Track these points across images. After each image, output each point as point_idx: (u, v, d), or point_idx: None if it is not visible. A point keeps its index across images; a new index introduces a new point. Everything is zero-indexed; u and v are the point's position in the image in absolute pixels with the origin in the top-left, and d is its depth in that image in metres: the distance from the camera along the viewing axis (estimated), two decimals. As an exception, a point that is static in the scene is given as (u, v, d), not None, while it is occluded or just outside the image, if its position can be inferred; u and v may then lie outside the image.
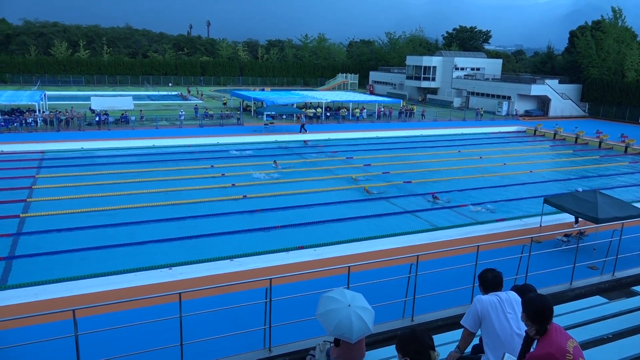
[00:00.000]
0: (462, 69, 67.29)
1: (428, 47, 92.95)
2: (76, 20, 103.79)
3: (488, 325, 5.13)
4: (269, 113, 42.20)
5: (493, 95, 58.98)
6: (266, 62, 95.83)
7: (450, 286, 9.97)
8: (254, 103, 48.64)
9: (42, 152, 28.94)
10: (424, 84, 68.64)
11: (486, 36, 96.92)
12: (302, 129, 37.52)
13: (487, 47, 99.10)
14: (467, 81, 64.39)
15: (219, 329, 9.50)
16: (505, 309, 5.15)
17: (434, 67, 67.81)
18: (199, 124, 41.15)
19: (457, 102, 63.27)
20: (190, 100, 61.22)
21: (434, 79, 68.28)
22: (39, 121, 37.44)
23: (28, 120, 37.02)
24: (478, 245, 9.47)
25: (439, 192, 22.48)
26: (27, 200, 19.72)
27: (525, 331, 4.56)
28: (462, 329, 5.52)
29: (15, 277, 12.96)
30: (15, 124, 36.26)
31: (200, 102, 57.83)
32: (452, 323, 8.66)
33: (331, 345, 6.91)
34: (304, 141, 35.31)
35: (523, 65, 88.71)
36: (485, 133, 43.04)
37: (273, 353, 7.81)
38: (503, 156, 32.70)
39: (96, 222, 17.23)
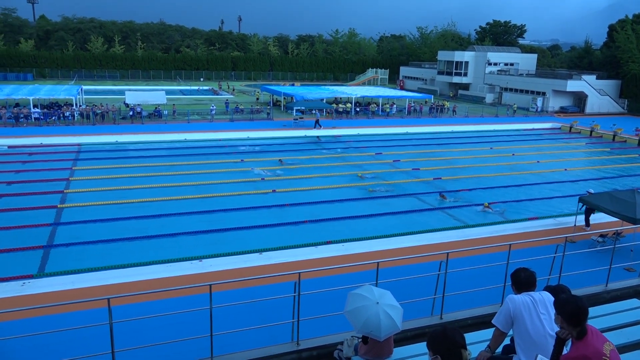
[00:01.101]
0: (495, 64, 65.94)
1: (460, 42, 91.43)
2: (112, 16, 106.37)
3: (520, 326, 5.03)
4: (299, 108, 42.28)
5: (527, 91, 57.64)
6: (296, 57, 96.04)
7: (481, 285, 9.82)
8: (284, 98, 48.84)
9: (79, 144, 29.75)
10: (456, 80, 67.60)
11: (521, 30, 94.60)
12: (317, 125, 37.24)
13: (521, 41, 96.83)
14: (500, 77, 63.10)
15: (248, 321, 9.62)
16: (539, 310, 5.04)
17: (466, 62, 66.69)
18: (229, 118, 41.60)
19: (489, 98, 62.10)
20: (221, 95, 61.92)
21: (465, 75, 67.16)
22: (76, 115, 38.51)
23: (66, 114, 38.12)
24: (510, 244, 9.31)
25: (468, 190, 22.17)
26: (65, 191, 20.32)
27: (557, 333, 4.46)
28: (492, 329, 5.43)
29: (53, 266, 13.39)
30: (53, 118, 37.39)
31: (231, 96, 58.41)
32: (482, 322, 8.54)
33: (359, 340, 6.92)
34: (317, 137, 34.92)
35: (559, 60, 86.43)
36: (518, 130, 42.13)
37: (301, 347, 7.86)
38: (536, 153, 31.97)
39: (129, 214, 17.64)
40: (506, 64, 66.54)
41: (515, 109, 50.98)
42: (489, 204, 19.58)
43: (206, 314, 7.38)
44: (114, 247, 14.85)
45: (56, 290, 11.52)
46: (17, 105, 40.23)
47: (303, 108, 42.69)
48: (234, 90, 67.61)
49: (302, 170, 25.07)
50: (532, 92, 56.66)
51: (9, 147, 28.46)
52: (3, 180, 21.68)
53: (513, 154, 31.16)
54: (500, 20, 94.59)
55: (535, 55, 71.89)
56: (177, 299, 10.48)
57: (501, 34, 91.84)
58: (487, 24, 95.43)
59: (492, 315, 5.53)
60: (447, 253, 8.74)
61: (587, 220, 16.66)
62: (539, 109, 53.54)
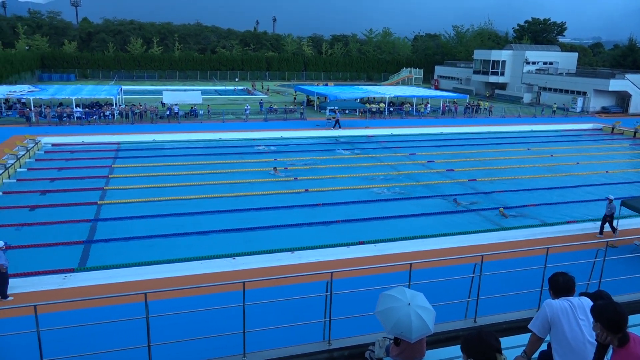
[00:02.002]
0: (534, 63, 64.33)
1: (497, 41, 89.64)
2: (151, 18, 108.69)
3: (558, 331, 4.90)
4: (332, 108, 42.30)
5: (567, 91, 55.99)
6: (330, 57, 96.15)
7: (516, 288, 9.60)
8: (317, 98, 48.96)
9: (118, 143, 30.61)
10: (492, 79, 66.28)
11: (561, 28, 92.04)
12: (337, 125, 36.97)
13: (561, 40, 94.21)
14: (539, 76, 61.50)
15: (279, 319, 9.70)
16: (578, 315, 4.89)
17: (503, 62, 65.29)
18: (263, 118, 42.00)
19: (527, 97, 60.63)
20: (255, 94, 62.57)
21: (502, 74, 65.77)
22: (115, 114, 39.63)
23: (106, 113, 39.28)
24: (547, 248, 9.07)
25: (503, 192, 21.71)
26: (104, 188, 20.95)
27: (596, 338, 4.32)
28: (528, 334, 5.30)
29: (93, 260, 13.83)
30: (94, 117, 38.59)
31: (265, 96, 58.95)
32: (517, 327, 8.35)
33: (391, 342, 6.87)
34: (336, 138, 34.50)
35: (601, 59, 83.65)
36: (557, 130, 40.98)
37: (332, 346, 7.86)
38: (576, 155, 31.02)
39: (164, 211, 18.05)
40: (545, 63, 64.82)
41: (555, 109, 49.61)
42: (504, 209, 19.00)
43: (239, 311, 7.47)
44: (150, 243, 15.21)
45: (95, 284, 11.90)
46: (60, 104, 41.68)
47: (336, 108, 42.69)
48: (268, 90, 68.20)
49: (335, 170, 25.07)
50: (572, 92, 55.02)
51: (53, 145, 29.52)
52: (47, 177, 22.51)
53: (551, 155, 30.34)
54: (540, 18, 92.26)
55: (575, 54, 69.79)
56: (210, 295, 10.65)
57: (540, 32, 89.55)
58: (526, 22, 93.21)
59: (528, 320, 5.40)
60: (482, 255, 8.59)
61: (602, 228, 16.13)
62: (579, 109, 51.93)
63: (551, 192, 22.15)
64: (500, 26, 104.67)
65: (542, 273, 8.84)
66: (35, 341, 6.54)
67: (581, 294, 5.54)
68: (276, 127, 37.33)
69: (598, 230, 16.24)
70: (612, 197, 15.93)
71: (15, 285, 11.50)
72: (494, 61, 65.55)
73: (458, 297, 9.11)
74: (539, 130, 40.40)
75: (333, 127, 36.73)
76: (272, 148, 30.70)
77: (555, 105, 50.57)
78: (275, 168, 24.39)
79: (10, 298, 11.11)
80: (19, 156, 24.70)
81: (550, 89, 58.71)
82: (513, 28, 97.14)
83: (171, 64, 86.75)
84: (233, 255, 13.91)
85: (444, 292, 9.69)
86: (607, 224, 16.11)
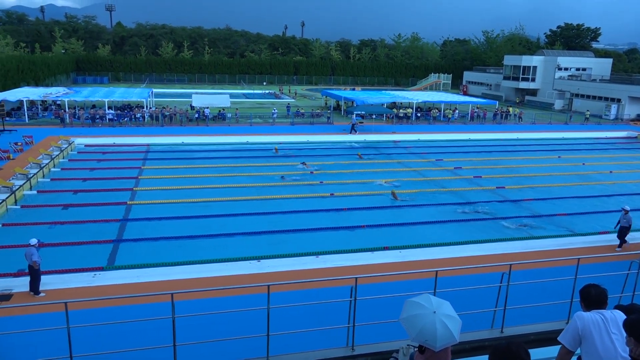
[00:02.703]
0: (566, 69, 62.98)
1: (528, 46, 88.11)
2: (182, 22, 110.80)
3: (589, 345, 4.75)
4: (359, 112, 42.26)
5: (600, 98, 54.61)
6: (358, 62, 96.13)
7: (545, 299, 9.39)
8: (344, 102, 48.97)
9: (148, 145, 31.19)
10: (523, 85, 65.14)
11: (594, 34, 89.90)
12: (353, 130, 36.77)
13: (595, 45, 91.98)
14: (571, 82, 60.17)
15: (303, 323, 9.71)
16: (610, 329, 4.74)
17: (534, 67, 64.11)
18: (290, 122, 42.22)
19: (558, 104, 59.38)
20: (283, 98, 62.99)
21: (533, 80, 64.58)
22: (146, 116, 40.45)
23: (137, 116, 40.13)
24: (579, 258, 8.83)
25: (532, 200, 21.28)
26: (134, 189, 21.37)
27: (630, 355, 4.18)
28: (557, 346, 5.16)
29: (121, 259, 14.10)
30: (126, 119, 39.46)
31: (293, 100, 59.27)
32: (546, 339, 8.15)
33: (415, 350, 6.78)
34: (352, 143, 34.15)
35: (637, 64, 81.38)
36: (590, 138, 39.96)
37: (356, 352, 7.82)
38: (610, 163, 30.19)
39: (192, 213, 18.29)
40: (578, 69, 63.41)
41: (588, 116, 48.44)
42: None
43: (263, 314, 7.50)
44: (177, 244, 15.43)
45: (123, 283, 12.13)
46: (93, 106, 42.78)
47: (363, 112, 42.62)
48: (295, 94, 68.58)
49: (360, 175, 25.00)
50: (606, 99, 53.63)
51: (86, 145, 30.30)
52: (79, 176, 23.11)
53: (583, 164, 29.60)
54: (573, 24, 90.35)
55: (610, 60, 68.05)
56: (235, 297, 10.74)
57: (573, 38, 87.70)
58: (558, 27, 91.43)
59: (557, 332, 5.27)
60: (510, 264, 8.42)
61: (621, 242, 15.45)
62: (613, 117, 50.58)
63: (582, 201, 21.60)
64: (532, 32, 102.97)
65: (572, 284, 8.62)
66: (65, 337, 6.69)
67: (615, 307, 5.37)
68: (303, 131, 37.47)
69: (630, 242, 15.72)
70: (628, 208, 15.35)
71: (47, 282, 11.82)
72: (524, 67, 64.42)
73: (484, 306, 8.95)
74: (570, 137, 39.48)
75: (350, 132, 36.58)
76: (317, 152, 30.92)
77: (589, 113, 49.36)
78: (304, 163, 25.74)
79: (42, 294, 11.42)
80: (53, 156, 25.43)
81: (583, 96, 57.37)
82: (545, 34, 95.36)
83: (201, 68, 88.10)
84: (258, 258, 14.01)
85: (470, 300, 9.54)
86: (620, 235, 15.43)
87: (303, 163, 25.51)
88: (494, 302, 8.71)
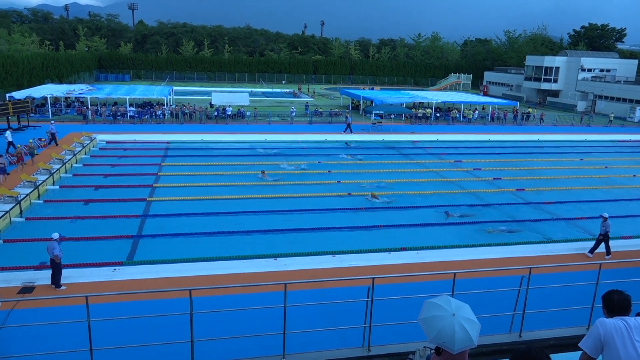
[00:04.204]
0: (589, 70, 61.89)
1: (551, 47, 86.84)
2: (202, 21, 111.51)
3: (612, 352, 4.66)
4: (377, 112, 42.11)
5: (625, 100, 53.54)
6: (377, 61, 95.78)
7: (565, 304, 9.25)
8: (363, 102, 48.87)
9: (168, 142, 31.52)
10: (544, 86, 64.20)
11: (620, 34, 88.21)
12: (348, 129, 36.48)
13: (620, 46, 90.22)
14: (595, 83, 59.10)
15: (319, 321, 9.72)
16: (633, 337, 4.64)
17: (557, 68, 63.14)
18: (308, 120, 42.26)
19: (581, 105, 58.38)
20: (301, 97, 63.08)
21: (555, 81, 63.60)
22: (166, 114, 40.88)
23: (157, 113, 40.58)
24: (600, 263, 8.68)
25: (555, 203, 20.95)
26: (153, 185, 21.62)
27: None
28: (577, 352, 5.08)
29: (140, 255, 14.29)
30: (146, 116, 39.95)
31: (311, 99, 59.34)
32: (565, 344, 8.03)
33: (432, 352, 6.73)
34: (346, 142, 33.74)
35: (664, 66, 79.36)
36: (613, 141, 39.20)
37: (372, 352, 7.80)
38: (633, 167, 29.56)
39: (210, 210, 18.44)
40: (602, 70, 62.26)
41: (612, 118, 47.52)
42: (449, 208, 19.20)
43: (279, 312, 7.53)
44: (195, 240, 15.57)
45: (142, 278, 12.28)
46: (115, 104, 43.38)
47: (382, 112, 42.45)
48: (314, 93, 68.63)
49: (378, 175, 24.90)
50: (631, 101, 52.54)
51: (107, 142, 30.74)
52: (100, 172, 23.46)
53: (606, 167, 29.04)
54: (597, 24, 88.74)
55: (635, 61, 66.66)
56: (252, 294, 10.80)
57: (597, 38, 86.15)
58: (582, 27, 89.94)
59: (577, 337, 5.19)
60: (530, 268, 8.31)
61: (607, 247, 14.74)
62: (637, 119, 49.54)
63: (604, 204, 21.17)
64: (555, 32, 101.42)
65: (593, 289, 8.47)
66: (84, 330, 6.80)
67: (638, 314, 5.27)
68: (321, 130, 37.48)
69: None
70: (606, 215, 14.71)
71: (68, 276, 12.04)
72: (546, 67, 63.48)
73: (502, 309, 8.85)
74: (593, 140, 38.79)
75: (344, 132, 36.30)
76: (275, 151, 30.43)
77: (613, 115, 48.43)
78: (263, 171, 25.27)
79: (63, 287, 11.63)
80: (75, 152, 25.87)
81: (606, 97, 56.31)
82: (568, 34, 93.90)
83: (220, 66, 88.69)
84: (275, 256, 14.06)
85: (488, 303, 9.45)
86: (602, 245, 14.78)
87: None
88: (513, 306, 8.60)
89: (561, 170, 27.60)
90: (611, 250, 14.67)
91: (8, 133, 26.17)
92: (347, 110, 38.61)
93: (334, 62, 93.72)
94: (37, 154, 24.81)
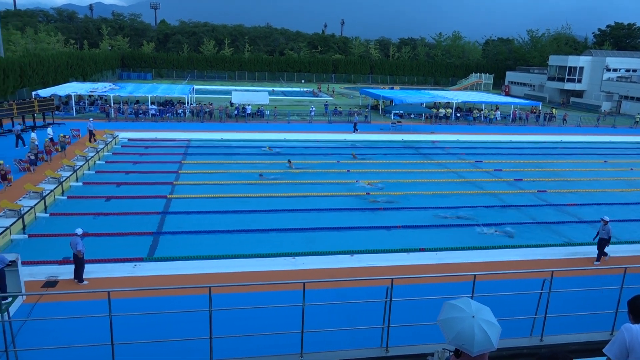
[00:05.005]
0: (615, 70, 60.61)
1: (575, 46, 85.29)
2: (223, 20, 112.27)
3: (637, 359, 4.56)
4: (397, 112, 41.89)
5: (652, 101, 52.29)
6: (397, 61, 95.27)
7: (588, 308, 9.08)
8: (383, 101, 48.67)
9: (188, 140, 31.84)
10: (568, 86, 63.07)
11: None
12: (355, 129, 36.32)
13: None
14: (620, 84, 57.86)
15: (337, 321, 9.71)
16: (660, 343, 4.53)
17: (581, 68, 61.97)
18: (328, 120, 42.25)
19: (606, 106, 57.20)
20: (321, 96, 63.10)
21: (579, 81, 62.44)
22: (187, 112, 41.30)
23: (178, 111, 41.04)
24: (625, 267, 8.49)
25: (577, 205, 20.57)
26: (174, 183, 21.86)
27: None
28: (600, 358, 4.98)
29: (160, 251, 14.46)
30: (167, 114, 40.42)
31: (331, 99, 59.31)
32: (588, 349, 7.87)
33: (450, 354, 6.67)
34: (352, 143, 33.47)
35: (693, 66, 77.27)
36: (639, 143, 38.32)
37: (390, 353, 7.76)
38: (660, 170, 28.88)
39: (229, 208, 18.56)
40: (628, 70, 60.91)
41: (638, 119, 46.44)
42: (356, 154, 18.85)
43: (297, 311, 7.54)
44: (214, 238, 15.70)
45: (162, 274, 12.43)
46: (137, 102, 44.00)
47: (401, 112, 42.22)
48: (333, 92, 68.58)
49: (396, 175, 24.78)
50: (658, 102, 51.31)
51: (129, 139, 31.19)
52: (122, 169, 23.82)
53: (631, 169, 28.41)
54: (623, 23, 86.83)
55: (663, 61, 65.04)
56: (270, 293, 10.84)
57: (623, 38, 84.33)
58: (608, 26, 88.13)
59: (600, 342, 5.09)
60: (552, 271, 8.17)
61: (599, 253, 14.20)
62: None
63: (629, 208, 20.75)
64: (580, 31, 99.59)
65: (617, 294, 8.29)
66: (106, 324, 6.90)
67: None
68: (340, 129, 37.43)
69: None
70: (607, 219, 14.15)
71: (90, 271, 12.24)
72: (570, 67, 62.37)
73: (523, 312, 8.73)
74: (618, 141, 37.98)
75: (353, 132, 36.15)
76: (355, 150, 30.44)
77: (639, 116, 47.32)
78: (353, 154, 27.97)
79: (85, 282, 11.84)
80: (98, 149, 26.30)
81: (632, 98, 55.09)
82: (593, 33, 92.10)
83: (241, 65, 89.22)
84: (293, 255, 14.09)
85: (509, 306, 9.31)
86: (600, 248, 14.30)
87: (352, 154, 27.00)
88: (534, 309, 8.47)
89: (584, 172, 27.10)
90: (623, 255, 14.32)
91: (50, 129, 27.16)
92: (355, 110, 38.49)
93: (354, 62, 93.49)
94: (61, 151, 25.32)
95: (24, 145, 26.66)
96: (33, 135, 24.91)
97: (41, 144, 25.30)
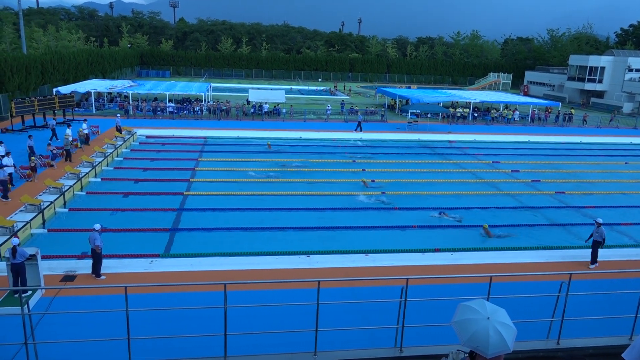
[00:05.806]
0: (637, 70, 59.43)
1: (596, 46, 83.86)
2: (241, 18, 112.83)
3: (657, 364, 4.48)
4: (414, 111, 41.65)
5: (675, 102, 51.17)
6: (414, 60, 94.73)
7: (606, 312, 8.94)
8: (399, 100, 48.44)
9: (205, 137, 32.05)
10: (588, 86, 62.05)
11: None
12: (358, 128, 36.07)
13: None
14: (643, 84, 56.74)
15: (351, 320, 9.70)
16: (681, 349, 4.45)
17: (602, 68, 60.91)
18: (344, 119, 42.19)
19: (627, 107, 56.17)
20: (337, 95, 63.03)
21: (600, 81, 61.37)
22: (204, 110, 41.60)
23: (195, 109, 41.35)
24: (645, 271, 8.34)
25: (596, 207, 20.24)
26: (190, 180, 22.04)
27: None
28: (619, 363, 4.90)
29: (177, 248, 14.60)
30: (185, 112, 40.76)
31: (347, 97, 59.22)
32: (605, 353, 7.76)
33: (465, 355, 6.62)
34: (358, 141, 33.32)
35: None
36: (661, 144, 37.57)
37: (404, 353, 7.73)
38: (683, 172, 28.27)
39: (245, 205, 18.66)
40: (650, 71, 59.73)
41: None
42: (445, 209, 18.70)
43: (311, 309, 7.56)
44: (230, 235, 15.79)
45: (178, 271, 12.55)
46: (155, 99, 44.45)
47: (418, 111, 41.97)
48: (350, 91, 68.45)
49: (412, 174, 24.65)
50: (682, 103, 50.19)
51: (147, 137, 31.51)
52: (140, 166, 24.07)
53: (653, 171, 27.87)
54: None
55: (688, 62, 63.60)
56: (285, 290, 10.87)
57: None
58: (630, 26, 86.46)
59: (619, 347, 5.01)
60: (570, 274, 8.06)
61: (593, 255, 13.88)
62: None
63: (651, 211, 20.35)
64: (601, 31, 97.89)
65: (637, 298, 8.15)
66: (122, 319, 7.00)
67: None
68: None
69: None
70: (600, 221, 13.88)
71: (108, 266, 12.41)
72: (591, 67, 61.35)
73: (539, 315, 8.63)
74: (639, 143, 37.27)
75: (355, 130, 35.98)
76: (370, 150, 30.48)
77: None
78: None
79: (103, 277, 12.01)
80: (117, 146, 26.63)
81: (655, 99, 54.01)
82: (615, 33, 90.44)
83: (258, 63, 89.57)
84: (308, 253, 14.11)
85: (525, 308, 9.23)
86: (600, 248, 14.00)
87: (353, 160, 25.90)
88: (551, 312, 8.37)
89: (604, 174, 26.66)
90: (622, 259, 14.06)
91: (85, 125, 28.37)
92: (358, 109, 38.31)
93: (371, 60, 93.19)
94: (80, 147, 25.76)
95: (57, 139, 27.38)
96: (68, 131, 25.40)
97: (75, 135, 26.58)
